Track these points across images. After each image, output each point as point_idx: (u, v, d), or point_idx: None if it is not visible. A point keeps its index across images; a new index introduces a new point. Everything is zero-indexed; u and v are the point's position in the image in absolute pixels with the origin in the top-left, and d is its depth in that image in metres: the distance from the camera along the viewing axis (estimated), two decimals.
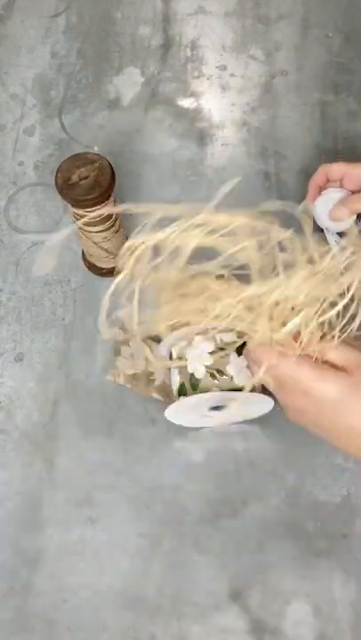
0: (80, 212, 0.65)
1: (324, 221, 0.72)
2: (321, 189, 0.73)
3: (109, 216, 0.67)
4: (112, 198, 0.66)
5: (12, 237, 0.80)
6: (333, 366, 0.50)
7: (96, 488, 0.67)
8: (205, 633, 0.61)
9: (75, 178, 0.63)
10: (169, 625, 0.61)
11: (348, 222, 0.71)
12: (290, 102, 0.86)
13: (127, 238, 0.76)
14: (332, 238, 0.73)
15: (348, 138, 0.83)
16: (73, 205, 0.64)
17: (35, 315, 0.75)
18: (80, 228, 0.68)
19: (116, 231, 0.70)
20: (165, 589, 0.62)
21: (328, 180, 0.73)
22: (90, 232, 0.68)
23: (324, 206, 0.71)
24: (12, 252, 0.79)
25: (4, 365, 0.73)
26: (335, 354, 0.51)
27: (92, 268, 0.76)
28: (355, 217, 0.72)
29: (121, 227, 0.71)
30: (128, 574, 0.63)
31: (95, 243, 0.70)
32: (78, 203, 0.63)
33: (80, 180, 0.63)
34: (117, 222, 0.69)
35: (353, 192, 0.71)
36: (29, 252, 0.79)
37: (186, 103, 0.87)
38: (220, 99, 0.87)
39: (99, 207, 0.64)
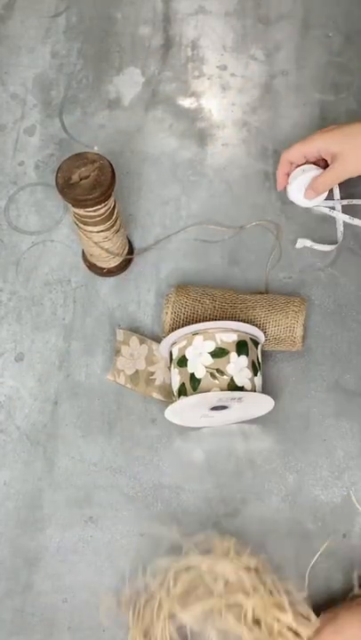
0: (80, 211, 0.65)
1: (300, 203, 0.77)
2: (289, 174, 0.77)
3: (110, 216, 0.67)
4: (112, 198, 0.66)
5: (12, 237, 0.80)
6: None
7: (96, 488, 0.67)
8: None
9: (75, 177, 0.63)
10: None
11: (319, 199, 0.76)
12: (290, 102, 0.86)
13: (128, 238, 0.76)
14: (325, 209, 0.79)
15: None
16: (73, 205, 0.64)
17: (35, 315, 0.75)
18: (80, 228, 0.68)
19: (117, 231, 0.70)
20: None
21: (294, 165, 0.76)
22: (90, 232, 0.68)
23: (296, 188, 0.76)
24: (12, 251, 0.79)
25: (4, 365, 0.73)
26: None
27: (93, 267, 0.76)
28: (325, 194, 0.77)
29: (122, 226, 0.71)
30: (128, 574, 0.63)
31: (95, 243, 0.70)
32: (79, 202, 0.63)
33: (80, 179, 0.63)
34: (118, 222, 0.69)
35: (315, 163, 0.76)
36: (29, 252, 0.79)
37: (186, 103, 0.87)
38: (220, 99, 0.87)
39: (99, 207, 0.64)
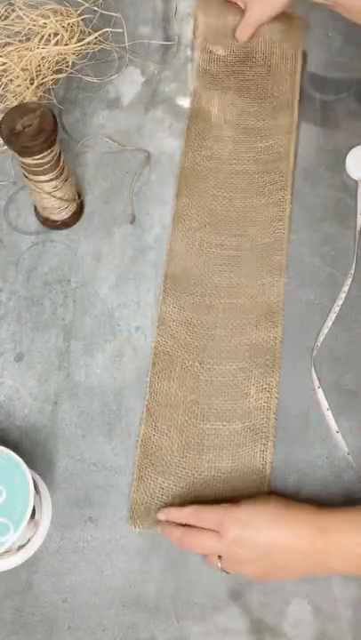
0: (28, 160, 0.67)
1: (353, 174, 0.80)
2: None
3: (57, 163, 0.69)
4: (57, 145, 0.68)
5: (12, 237, 0.80)
6: None
7: (96, 488, 0.67)
8: (205, 633, 0.61)
9: (19, 127, 0.66)
10: (169, 625, 0.61)
11: None
12: None
13: (77, 187, 0.77)
14: None
15: (349, 138, 0.83)
16: (20, 154, 0.67)
17: (34, 315, 0.75)
18: (31, 180, 0.70)
19: (66, 179, 0.73)
20: (165, 589, 0.62)
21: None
22: (40, 182, 0.70)
23: (355, 160, 0.79)
24: (11, 251, 0.79)
25: (4, 365, 0.73)
26: None
27: (47, 222, 0.79)
28: None
29: (69, 175, 0.74)
30: (128, 574, 0.63)
31: (48, 193, 0.72)
32: (25, 150, 0.66)
33: (24, 128, 0.66)
34: (65, 171, 0.72)
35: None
36: (29, 252, 0.79)
37: (186, 103, 0.87)
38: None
39: (45, 153, 0.67)
